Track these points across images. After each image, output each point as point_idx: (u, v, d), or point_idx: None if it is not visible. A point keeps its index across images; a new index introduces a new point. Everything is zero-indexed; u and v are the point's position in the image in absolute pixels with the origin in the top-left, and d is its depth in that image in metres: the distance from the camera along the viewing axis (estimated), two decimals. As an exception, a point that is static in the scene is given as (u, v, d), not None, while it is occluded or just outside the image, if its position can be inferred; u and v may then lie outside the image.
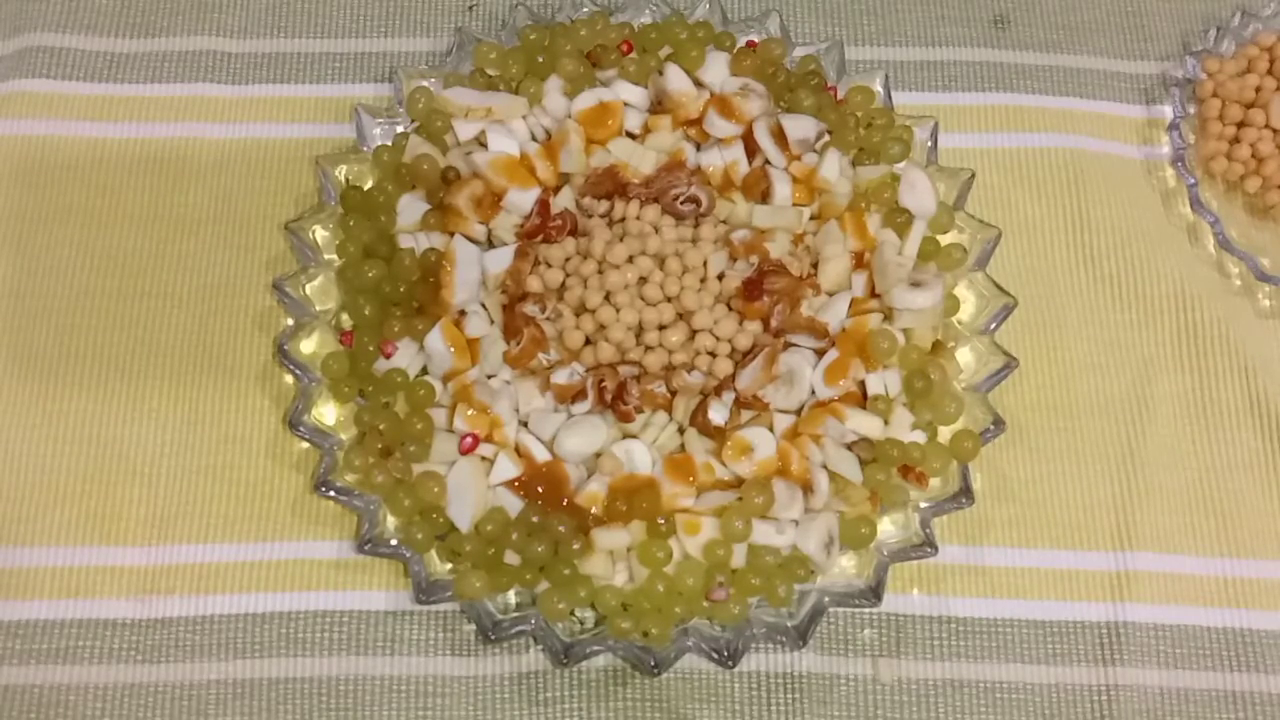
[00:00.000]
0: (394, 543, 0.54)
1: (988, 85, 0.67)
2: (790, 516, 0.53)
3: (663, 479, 0.53)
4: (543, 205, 0.58)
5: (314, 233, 0.59)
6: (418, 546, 0.53)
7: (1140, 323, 0.62)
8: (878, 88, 0.63)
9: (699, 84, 0.61)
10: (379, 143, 0.61)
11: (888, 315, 0.57)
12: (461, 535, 0.53)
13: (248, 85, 0.65)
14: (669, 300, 0.56)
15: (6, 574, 0.55)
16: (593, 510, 0.53)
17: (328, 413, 0.57)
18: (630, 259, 0.56)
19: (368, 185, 0.60)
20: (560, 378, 0.55)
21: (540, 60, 0.61)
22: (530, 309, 0.56)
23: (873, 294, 0.57)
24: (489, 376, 0.56)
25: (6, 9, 0.66)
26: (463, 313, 0.56)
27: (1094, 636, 0.56)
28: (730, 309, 0.56)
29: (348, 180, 0.60)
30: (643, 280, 0.56)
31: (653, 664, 0.52)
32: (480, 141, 0.60)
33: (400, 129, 0.62)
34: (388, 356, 0.55)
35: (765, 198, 0.59)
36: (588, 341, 0.56)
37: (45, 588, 0.55)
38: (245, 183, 0.63)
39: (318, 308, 0.58)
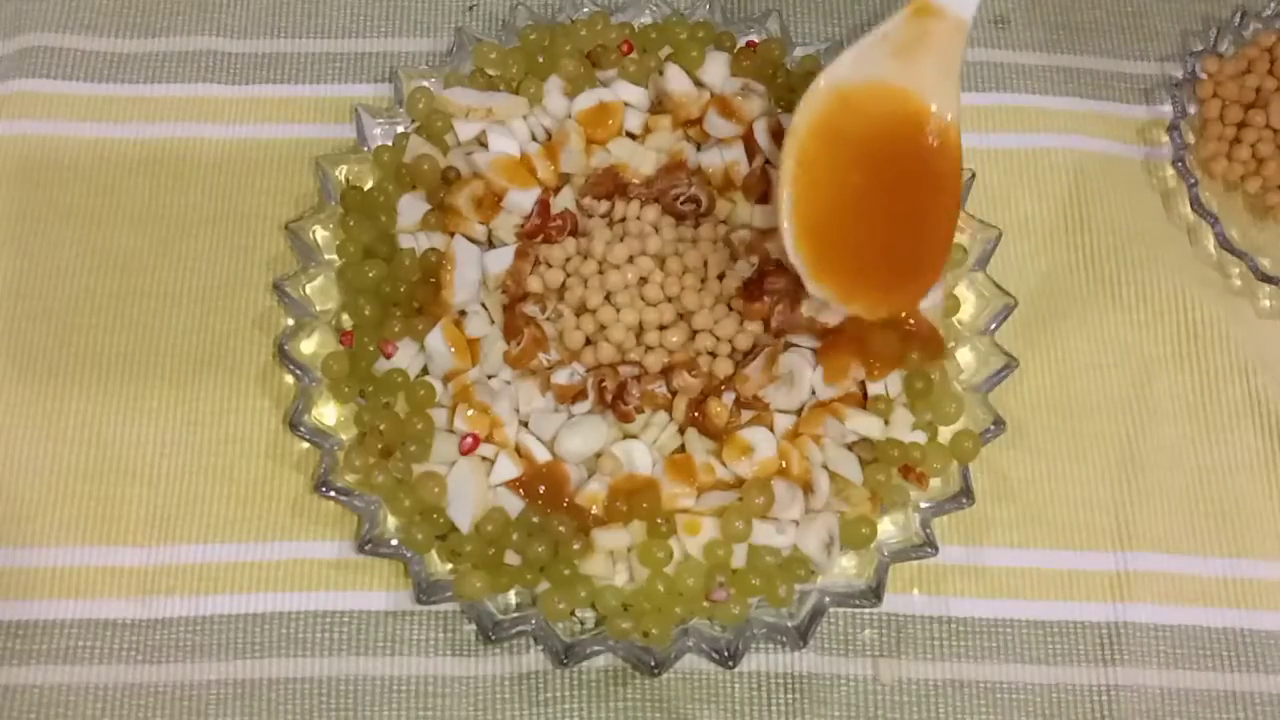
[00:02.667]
0: (394, 543, 0.54)
1: (988, 85, 0.67)
2: (790, 517, 0.53)
3: (663, 479, 0.53)
4: (543, 205, 0.58)
5: (314, 233, 0.59)
6: (418, 547, 0.53)
7: (1140, 323, 0.62)
8: (878, 88, 0.63)
9: (699, 84, 0.61)
10: (379, 143, 0.61)
11: (888, 315, 0.57)
12: (462, 535, 0.53)
13: (248, 85, 0.65)
14: (669, 300, 0.56)
15: (6, 574, 0.55)
16: (593, 510, 0.53)
17: (328, 413, 0.57)
18: (630, 259, 0.56)
19: (368, 185, 0.60)
20: (560, 378, 0.55)
21: (540, 60, 0.61)
22: (530, 309, 0.56)
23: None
24: (489, 377, 0.56)
25: (6, 9, 0.66)
26: (463, 313, 0.56)
27: (1094, 636, 0.56)
28: (730, 309, 0.56)
29: (348, 180, 0.60)
30: (643, 280, 0.56)
31: (653, 664, 0.52)
32: (481, 141, 0.60)
33: (400, 129, 0.62)
34: (388, 356, 0.55)
35: (765, 198, 0.59)
36: (588, 341, 0.56)
37: (45, 588, 0.55)
38: (245, 183, 0.63)
39: (318, 308, 0.58)
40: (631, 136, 0.60)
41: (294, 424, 0.55)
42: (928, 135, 0.54)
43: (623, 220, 0.58)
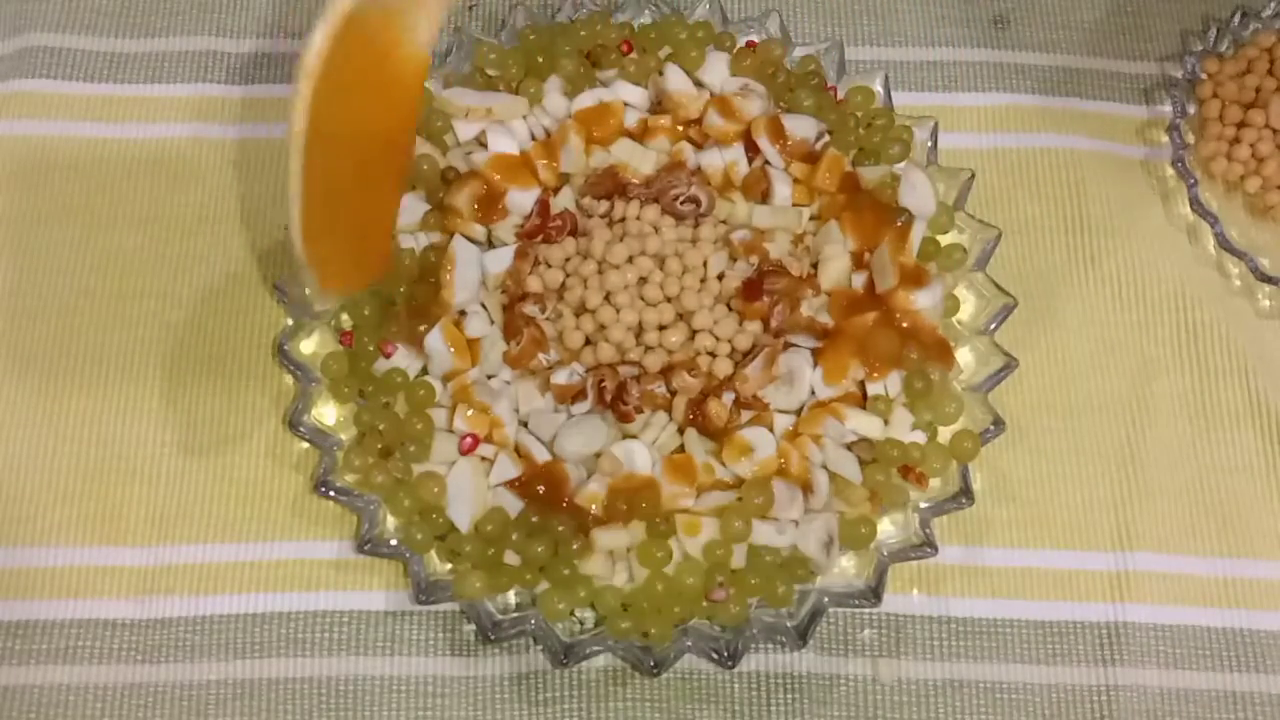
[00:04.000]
0: (394, 543, 0.54)
1: (988, 85, 0.67)
2: (790, 517, 0.53)
3: (663, 479, 0.53)
4: (543, 205, 0.58)
5: (314, 233, 0.59)
6: (418, 547, 0.53)
7: (1140, 323, 0.62)
8: (878, 88, 0.63)
9: (699, 84, 0.61)
10: (379, 143, 0.61)
11: (888, 315, 0.57)
12: (461, 535, 0.53)
13: (248, 85, 0.65)
14: (669, 300, 0.56)
15: (6, 574, 0.55)
16: (593, 510, 0.53)
17: (328, 413, 0.57)
18: (630, 259, 0.56)
19: (368, 185, 0.60)
20: (560, 378, 0.55)
21: (540, 60, 0.61)
22: (530, 309, 0.56)
23: (872, 294, 0.57)
24: (489, 377, 0.56)
25: (6, 9, 0.66)
26: (463, 313, 0.56)
27: (1094, 636, 0.56)
28: (730, 309, 0.56)
29: (348, 180, 0.60)
30: (643, 280, 0.56)
31: (652, 664, 0.52)
32: (480, 141, 0.60)
33: (400, 129, 0.62)
34: (388, 356, 0.55)
35: (765, 198, 0.59)
36: (588, 341, 0.56)
37: (45, 588, 0.55)
38: (245, 183, 0.63)
39: (317, 308, 0.58)
40: (631, 136, 0.60)
41: (294, 424, 0.55)
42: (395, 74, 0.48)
43: (622, 220, 0.58)
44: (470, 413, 0.54)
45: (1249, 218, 0.63)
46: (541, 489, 0.53)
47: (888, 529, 0.55)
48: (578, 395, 0.55)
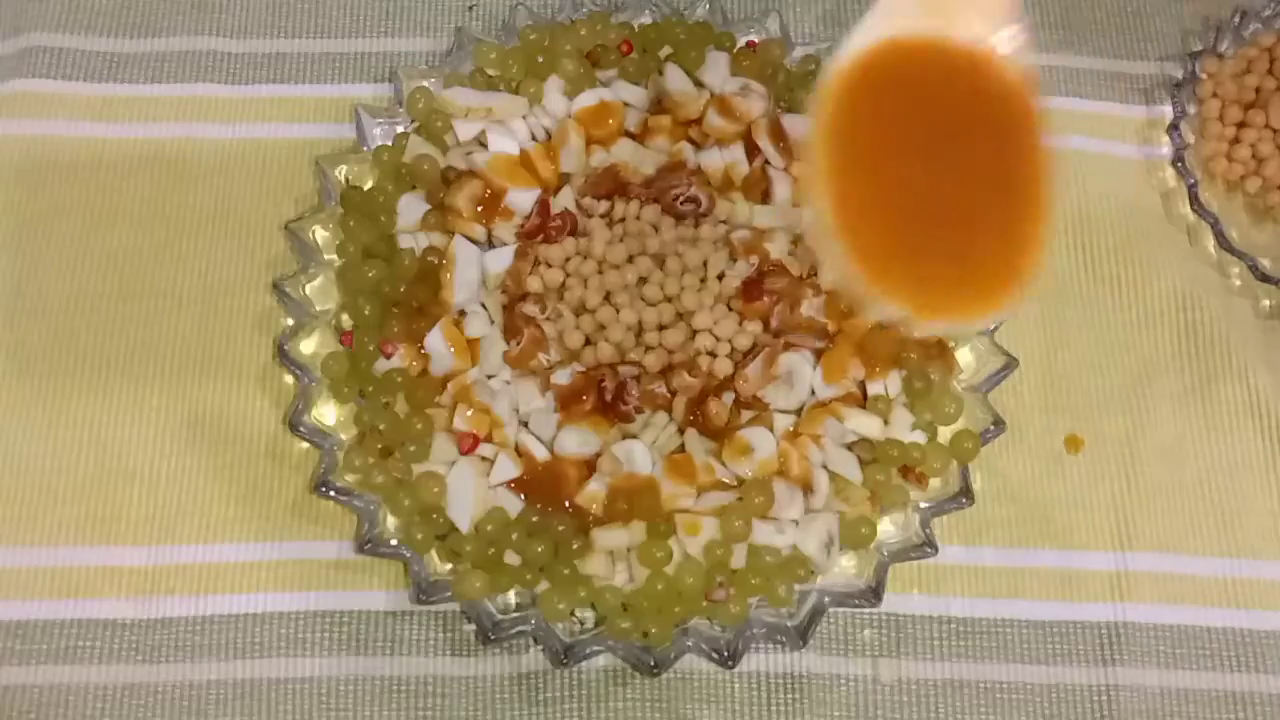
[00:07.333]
0: (394, 543, 0.54)
1: (988, 85, 0.67)
2: (790, 517, 0.53)
3: (663, 479, 0.53)
4: (543, 205, 0.58)
5: (314, 233, 0.59)
6: (418, 547, 0.53)
7: (1140, 323, 0.62)
8: (878, 88, 0.63)
9: (699, 84, 0.61)
10: (379, 143, 0.61)
11: (888, 315, 0.57)
12: (461, 535, 0.53)
13: (248, 85, 0.65)
14: (669, 300, 0.56)
15: (6, 574, 0.55)
16: (593, 510, 0.53)
17: (328, 413, 0.57)
18: (630, 259, 0.56)
19: (368, 185, 0.60)
20: (561, 378, 0.55)
21: (540, 60, 0.61)
22: (530, 309, 0.56)
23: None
24: (489, 377, 0.56)
25: (6, 9, 0.66)
26: (463, 313, 0.56)
27: (1094, 636, 0.56)
28: (730, 309, 0.56)
29: (348, 180, 0.60)
30: (642, 280, 0.56)
31: (653, 664, 0.52)
32: (481, 141, 0.60)
33: (400, 129, 0.62)
34: (388, 356, 0.55)
35: (765, 198, 0.59)
36: (588, 341, 0.56)
37: (45, 588, 0.55)
38: (245, 183, 0.63)
39: (318, 308, 0.58)
40: (631, 136, 0.60)
41: (294, 424, 0.55)
42: (985, 83, 0.44)
43: (622, 220, 0.58)
44: (470, 413, 0.54)
45: (1249, 218, 0.63)
46: (541, 488, 0.53)
47: (888, 529, 0.55)
48: (579, 399, 0.55)
